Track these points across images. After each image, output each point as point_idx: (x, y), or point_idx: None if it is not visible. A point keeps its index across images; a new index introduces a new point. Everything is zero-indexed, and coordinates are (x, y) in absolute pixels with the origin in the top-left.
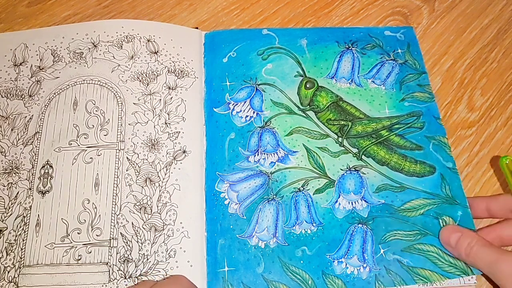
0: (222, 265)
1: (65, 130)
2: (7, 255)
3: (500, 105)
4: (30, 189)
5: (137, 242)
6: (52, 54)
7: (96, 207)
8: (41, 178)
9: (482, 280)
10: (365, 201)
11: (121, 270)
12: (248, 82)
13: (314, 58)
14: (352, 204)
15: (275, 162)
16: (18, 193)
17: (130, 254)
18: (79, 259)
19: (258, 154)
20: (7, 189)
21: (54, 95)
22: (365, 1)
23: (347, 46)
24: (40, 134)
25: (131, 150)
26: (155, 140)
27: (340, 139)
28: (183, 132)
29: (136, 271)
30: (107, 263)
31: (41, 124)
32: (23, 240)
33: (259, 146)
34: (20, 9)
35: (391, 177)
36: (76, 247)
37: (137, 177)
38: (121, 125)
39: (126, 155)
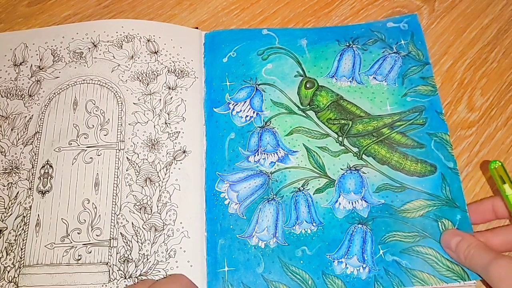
0: (222, 265)
1: (65, 130)
2: (7, 255)
3: (500, 105)
4: (30, 189)
5: (137, 242)
6: (52, 54)
7: (96, 207)
8: (41, 178)
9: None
10: (365, 201)
11: (121, 270)
12: (248, 82)
13: (314, 58)
14: (352, 204)
15: (275, 162)
16: (18, 193)
17: (130, 254)
18: (79, 259)
19: (258, 154)
20: (7, 189)
21: (54, 95)
22: (365, 1)
23: (347, 44)
24: (40, 134)
25: (131, 150)
26: (155, 140)
27: (340, 138)
28: (183, 132)
29: (136, 271)
30: (107, 263)
31: (41, 124)
32: (23, 240)
33: (259, 146)
34: (20, 9)
35: (391, 177)
36: (76, 247)
37: (137, 177)
38: (121, 125)
39: (126, 155)
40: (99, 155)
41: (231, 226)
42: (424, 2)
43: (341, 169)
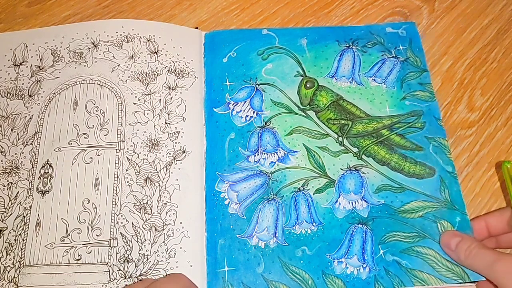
0: (222, 265)
1: (65, 130)
2: (7, 255)
3: (500, 105)
4: (30, 189)
5: (137, 242)
6: (52, 54)
7: (96, 207)
8: (41, 178)
9: None
10: (365, 201)
11: (121, 270)
12: (248, 82)
13: (314, 57)
14: (352, 204)
15: (275, 162)
16: (18, 193)
17: (130, 254)
18: (79, 259)
19: (258, 154)
20: (7, 189)
21: (54, 95)
22: (365, 1)
23: (347, 45)
24: (40, 134)
25: (131, 150)
26: (155, 140)
27: (340, 138)
28: (183, 132)
29: (136, 271)
30: (107, 263)
31: (41, 124)
32: (23, 240)
33: (259, 146)
34: (20, 9)
35: (391, 178)
36: (76, 247)
37: (137, 177)
38: (121, 125)
39: (126, 155)
40: (99, 155)
41: (231, 226)
42: (424, 2)
43: (341, 169)
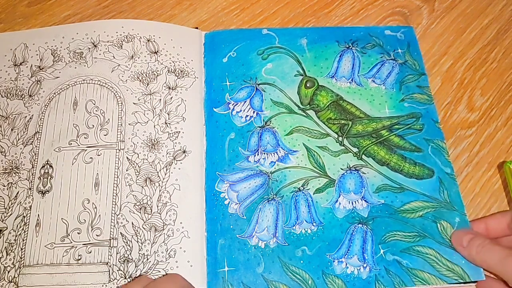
0: (222, 265)
1: (65, 130)
2: (7, 255)
3: (500, 105)
4: (30, 189)
5: (137, 242)
6: (52, 54)
7: (96, 207)
8: (41, 178)
9: None
10: (365, 201)
11: (121, 270)
12: (248, 82)
13: (314, 57)
14: (352, 204)
15: (275, 162)
16: (18, 193)
17: (130, 254)
18: (79, 259)
19: (258, 154)
20: (7, 189)
21: (54, 95)
22: (365, 1)
23: (347, 46)
24: (40, 134)
25: (131, 150)
26: (155, 140)
27: (340, 138)
28: (183, 132)
29: (136, 271)
30: (107, 263)
31: (41, 124)
32: (23, 240)
33: (259, 146)
34: (20, 9)
35: (391, 178)
36: (76, 247)
37: (137, 177)
38: (121, 125)
39: (126, 155)
40: (99, 155)
41: (231, 226)
42: (424, 2)
43: (341, 169)
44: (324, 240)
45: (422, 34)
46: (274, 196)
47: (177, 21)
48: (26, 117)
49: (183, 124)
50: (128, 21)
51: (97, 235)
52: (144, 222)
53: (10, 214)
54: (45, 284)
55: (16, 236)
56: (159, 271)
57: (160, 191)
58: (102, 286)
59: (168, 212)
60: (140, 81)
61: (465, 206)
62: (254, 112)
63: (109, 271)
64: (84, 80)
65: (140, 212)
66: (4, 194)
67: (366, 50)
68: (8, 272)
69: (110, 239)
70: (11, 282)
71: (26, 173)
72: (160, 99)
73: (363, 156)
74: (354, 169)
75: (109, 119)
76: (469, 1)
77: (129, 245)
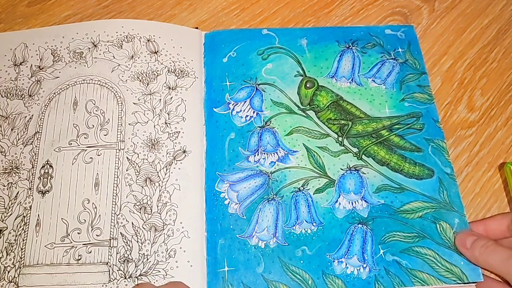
0: (222, 265)
1: (65, 130)
2: (7, 255)
3: (500, 105)
4: (30, 189)
5: (137, 242)
6: (52, 54)
7: (96, 207)
8: (41, 178)
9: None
10: (365, 201)
11: (121, 270)
12: (248, 82)
13: (314, 57)
14: (352, 204)
15: (275, 162)
16: (18, 193)
17: (130, 254)
18: (79, 259)
19: (258, 154)
20: (7, 189)
21: (54, 95)
22: (365, 1)
23: (347, 46)
24: (40, 134)
25: (131, 150)
26: (155, 140)
27: (340, 138)
28: (183, 132)
29: (136, 271)
30: (107, 263)
31: (41, 124)
32: (23, 240)
33: (259, 146)
34: (20, 9)
35: (391, 178)
36: (76, 247)
37: (137, 177)
38: (121, 125)
39: (126, 155)
40: (99, 155)
41: (231, 226)
42: (424, 2)
43: (341, 169)
44: (324, 240)
45: (422, 34)
46: (274, 196)
47: (177, 21)
48: (26, 117)
49: (183, 124)
50: (128, 21)
51: (97, 235)
52: (144, 222)
53: (10, 214)
54: (45, 284)
55: (16, 236)
56: (159, 271)
57: (160, 191)
58: (102, 286)
59: (168, 212)
60: (140, 81)
61: (465, 206)
62: (254, 112)
63: (109, 271)
64: (84, 80)
65: (140, 212)
66: (4, 194)
67: (366, 49)
68: (8, 272)
69: (110, 239)
70: (11, 282)
71: (26, 173)
72: (160, 99)
73: (363, 156)
74: (354, 169)
75: (109, 119)
76: (469, 1)
77: (129, 245)
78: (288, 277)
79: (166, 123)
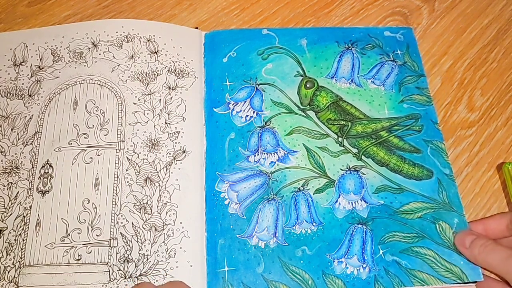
0: (222, 265)
1: (65, 130)
2: (7, 255)
3: (500, 105)
4: (30, 189)
5: (137, 242)
6: (52, 54)
7: (96, 207)
8: (41, 178)
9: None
10: (364, 201)
11: (121, 270)
12: (248, 82)
13: (314, 58)
14: (352, 204)
15: (275, 162)
16: (18, 193)
17: (130, 254)
18: (79, 259)
19: (258, 154)
20: (7, 189)
21: (54, 95)
22: (365, 1)
23: (347, 46)
24: (40, 134)
25: (131, 150)
26: (155, 140)
27: (340, 139)
28: (183, 132)
29: (136, 271)
30: (107, 263)
31: (41, 124)
32: (23, 240)
33: (259, 146)
34: (20, 9)
35: (390, 178)
36: (76, 247)
37: (137, 177)
38: (121, 125)
39: (126, 155)
40: (99, 155)
41: (231, 226)
42: (424, 2)
43: (341, 169)
44: (324, 240)
45: (422, 34)
46: (274, 196)
47: (177, 21)
48: (26, 117)
49: (183, 124)
50: (128, 21)
51: (97, 235)
52: (144, 222)
53: (10, 214)
54: (45, 284)
55: (16, 236)
56: (159, 271)
57: (160, 191)
58: (102, 286)
59: (168, 212)
60: (140, 81)
61: (465, 206)
62: (254, 112)
63: (109, 271)
64: (84, 80)
65: (140, 212)
66: (4, 194)
67: (366, 51)
68: (8, 272)
69: (110, 239)
70: (11, 282)
71: (26, 173)
72: (160, 99)
73: (363, 157)
74: (353, 169)
75: (109, 119)
76: (469, 1)
77: (129, 245)
78: (288, 277)
79: (166, 123)
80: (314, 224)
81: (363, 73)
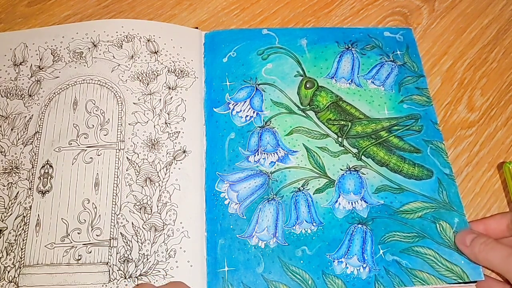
0: (222, 265)
1: (65, 130)
2: (7, 255)
3: (500, 105)
4: (30, 189)
5: (137, 242)
6: (52, 54)
7: (96, 207)
8: (41, 178)
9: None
10: (364, 201)
11: (121, 270)
12: (248, 82)
13: (314, 58)
14: (352, 204)
15: (275, 162)
16: (18, 193)
17: (130, 254)
18: (79, 259)
19: (258, 154)
20: (7, 189)
21: (54, 95)
22: (365, 1)
23: (346, 47)
24: (40, 134)
25: (131, 150)
26: (155, 140)
27: (340, 139)
28: (183, 132)
29: (136, 271)
30: (107, 263)
31: (41, 124)
32: (23, 240)
33: (259, 146)
34: (20, 9)
35: (390, 178)
36: (76, 247)
37: (137, 177)
38: (121, 125)
39: (126, 155)
40: (99, 155)
41: (231, 226)
42: (424, 2)
43: (341, 169)
44: (324, 240)
45: (422, 34)
46: (274, 196)
47: (177, 21)
48: (26, 117)
49: (183, 124)
50: (128, 21)
51: (97, 235)
52: (144, 222)
53: (10, 214)
54: (45, 284)
55: (16, 236)
56: (159, 271)
57: (160, 191)
58: (102, 286)
59: (168, 212)
60: (140, 81)
61: (465, 206)
62: (254, 112)
63: (109, 271)
64: (84, 80)
65: (140, 212)
66: (4, 194)
67: (366, 51)
68: (8, 272)
69: (110, 239)
70: (11, 282)
71: (26, 173)
72: (160, 99)
73: (363, 157)
74: (353, 169)
75: (109, 119)
76: (469, 1)
77: (129, 245)
78: (288, 277)
79: (166, 123)
80: (314, 224)
81: (363, 73)
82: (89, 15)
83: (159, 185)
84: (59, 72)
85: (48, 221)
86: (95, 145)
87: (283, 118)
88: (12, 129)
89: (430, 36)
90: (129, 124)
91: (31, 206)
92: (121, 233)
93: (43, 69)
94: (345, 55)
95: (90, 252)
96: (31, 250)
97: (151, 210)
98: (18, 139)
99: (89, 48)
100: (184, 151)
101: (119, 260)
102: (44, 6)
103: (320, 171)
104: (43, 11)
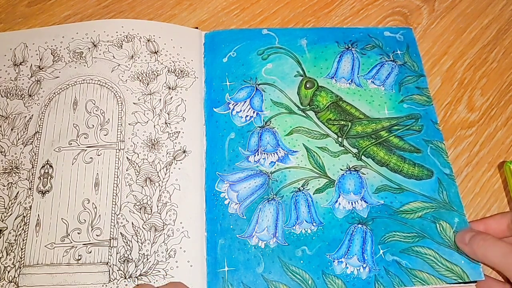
0: (222, 265)
1: (65, 130)
2: (7, 255)
3: (500, 105)
4: (30, 189)
5: (137, 242)
6: (52, 54)
7: (96, 207)
8: (41, 178)
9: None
10: (364, 201)
11: (121, 270)
12: (248, 82)
13: (314, 58)
14: (352, 204)
15: (275, 162)
16: (18, 193)
17: (130, 254)
18: (79, 259)
19: (258, 154)
20: (7, 189)
21: (54, 95)
22: (365, 1)
23: (347, 47)
24: (40, 134)
25: (131, 150)
26: (155, 140)
27: (340, 139)
28: (183, 132)
29: (136, 271)
30: (107, 263)
31: (41, 124)
32: (23, 240)
33: (259, 146)
34: (20, 9)
35: (390, 178)
36: (76, 247)
37: (137, 177)
38: (121, 125)
39: (126, 155)
40: (99, 155)
41: (231, 226)
42: (424, 2)
43: (341, 169)
44: (324, 240)
45: (422, 34)
46: (274, 196)
47: (177, 21)
48: (26, 117)
49: (183, 124)
50: (128, 21)
51: (97, 235)
52: (144, 222)
53: (10, 214)
54: (45, 284)
55: (16, 236)
56: (159, 271)
57: (160, 191)
58: (102, 286)
59: (168, 212)
60: (140, 81)
61: (465, 206)
62: (254, 112)
63: (109, 271)
64: (84, 80)
65: (140, 212)
66: (4, 194)
67: (366, 51)
68: (8, 272)
69: (110, 239)
70: (11, 282)
71: (26, 173)
72: (160, 99)
73: (363, 157)
74: (353, 169)
75: (109, 119)
76: (469, 1)
77: (129, 245)
78: (288, 277)
79: (166, 123)
80: (314, 224)
81: (363, 73)
82: (89, 15)
83: (159, 185)
84: (59, 72)
85: (48, 221)
86: (95, 145)
87: (283, 118)
88: (12, 129)
89: (430, 36)
90: (129, 124)
91: (31, 206)
92: (121, 233)
93: (43, 69)
94: (345, 55)
95: (90, 252)
96: (31, 250)
97: (151, 210)
98: (18, 139)
99: (89, 48)
100: (184, 151)
101: (119, 260)
102: (44, 6)
103: (320, 171)
104: (43, 11)
